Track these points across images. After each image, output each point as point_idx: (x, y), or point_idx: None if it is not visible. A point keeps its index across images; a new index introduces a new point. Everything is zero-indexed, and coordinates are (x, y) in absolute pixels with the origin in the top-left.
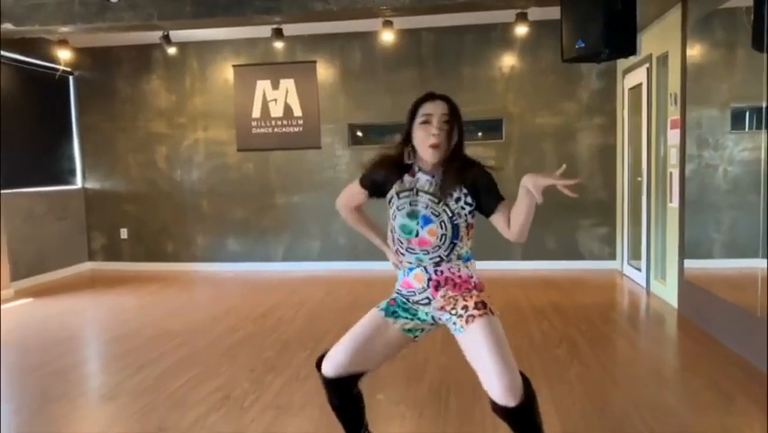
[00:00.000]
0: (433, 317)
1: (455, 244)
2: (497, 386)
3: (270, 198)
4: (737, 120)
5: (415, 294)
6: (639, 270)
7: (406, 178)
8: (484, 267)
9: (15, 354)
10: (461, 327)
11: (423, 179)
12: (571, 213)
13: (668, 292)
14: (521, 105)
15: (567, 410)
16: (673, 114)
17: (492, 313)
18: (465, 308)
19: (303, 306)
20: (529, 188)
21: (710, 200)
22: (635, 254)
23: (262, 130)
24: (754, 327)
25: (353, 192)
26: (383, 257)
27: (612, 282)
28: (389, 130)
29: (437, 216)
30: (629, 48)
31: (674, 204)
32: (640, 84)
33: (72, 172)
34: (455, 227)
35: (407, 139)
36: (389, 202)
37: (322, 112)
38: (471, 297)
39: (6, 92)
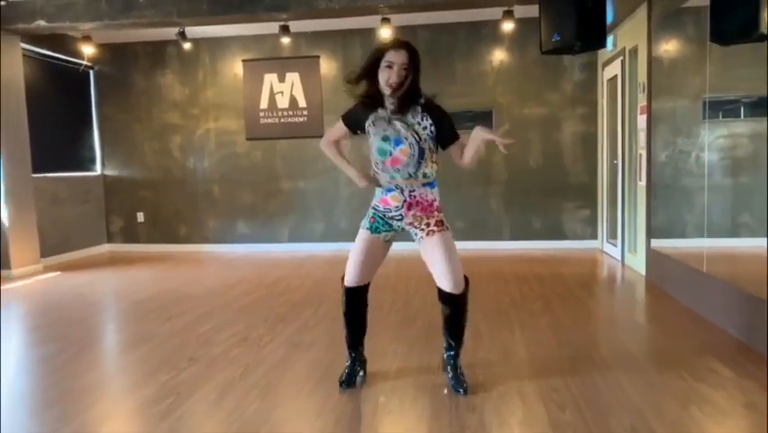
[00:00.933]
0: (402, 228)
1: (420, 164)
2: (447, 279)
3: (277, 183)
4: (709, 110)
5: (390, 211)
6: (616, 246)
7: (380, 111)
8: (476, 246)
9: (53, 313)
10: (422, 237)
11: (391, 108)
12: (556, 196)
13: (638, 262)
14: (509, 97)
15: (536, 347)
16: (642, 101)
17: (447, 229)
18: (428, 224)
19: (308, 277)
20: (476, 139)
21: (683, 184)
22: (612, 234)
23: (269, 120)
24: (702, 284)
25: (335, 128)
26: None
27: (592, 258)
28: None
29: (406, 139)
30: (599, 41)
31: (643, 182)
32: (616, 75)
33: (93, 160)
34: (421, 150)
35: (372, 75)
36: (367, 132)
37: (325, 103)
38: (433, 217)
39: (35, 85)
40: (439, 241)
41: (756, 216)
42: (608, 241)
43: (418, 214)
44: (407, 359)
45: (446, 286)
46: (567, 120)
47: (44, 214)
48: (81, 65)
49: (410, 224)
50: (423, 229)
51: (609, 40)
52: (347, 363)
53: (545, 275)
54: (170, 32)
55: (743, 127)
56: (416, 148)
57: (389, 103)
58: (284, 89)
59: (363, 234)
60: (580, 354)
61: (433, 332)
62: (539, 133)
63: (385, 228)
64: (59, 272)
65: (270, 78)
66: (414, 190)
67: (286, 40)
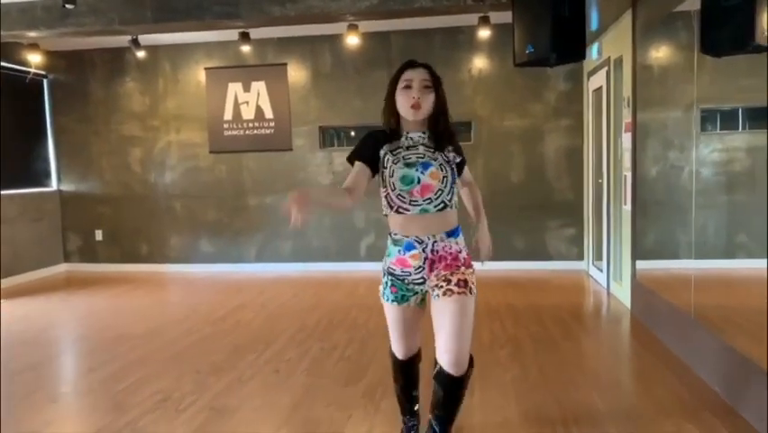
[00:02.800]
0: (426, 291)
1: (453, 189)
2: (448, 356)
3: (243, 199)
4: (706, 122)
5: (410, 274)
6: (601, 271)
7: (395, 141)
8: None
9: None
10: (438, 295)
11: (415, 136)
12: (540, 214)
13: (623, 293)
14: (489, 108)
15: (492, 413)
16: (627, 117)
17: (470, 293)
18: (448, 281)
19: (265, 308)
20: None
21: (677, 201)
22: (597, 255)
23: (234, 132)
24: (689, 329)
25: (351, 175)
26: (353, 258)
27: (577, 283)
28: (361, 132)
29: (435, 160)
30: (578, 53)
31: (628, 206)
32: (601, 87)
33: (47, 174)
34: (452, 170)
35: (390, 108)
36: (383, 164)
37: (293, 114)
38: (456, 274)
39: None
40: (454, 306)
41: (753, 236)
42: (593, 264)
43: (442, 273)
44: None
45: (445, 363)
46: (551, 133)
47: None
48: (29, 74)
49: (435, 285)
50: (441, 287)
51: (594, 48)
52: (404, 430)
53: (520, 307)
54: (127, 39)
55: (739, 140)
56: (448, 168)
57: (414, 132)
58: (249, 99)
59: (391, 309)
60: (541, 425)
61: (381, 393)
62: (521, 146)
63: (412, 294)
64: (4, 300)
65: (235, 88)
66: (437, 242)
67: (246, 48)
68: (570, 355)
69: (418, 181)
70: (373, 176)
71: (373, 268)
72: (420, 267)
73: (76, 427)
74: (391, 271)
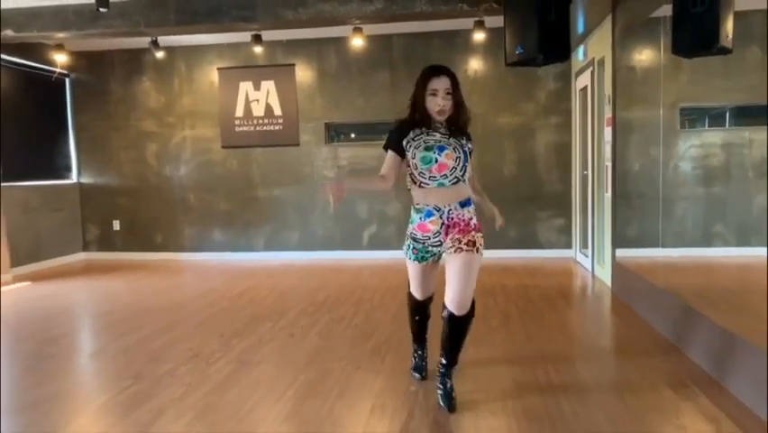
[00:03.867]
0: (442, 252)
1: (466, 167)
2: (453, 299)
3: (253, 191)
4: (686, 119)
5: (429, 238)
6: (587, 256)
7: (417, 130)
8: None
9: (14, 326)
10: (451, 252)
11: (435, 127)
12: (531, 205)
13: (606, 274)
14: (484, 106)
15: (485, 365)
16: (608, 113)
17: (477, 252)
18: (459, 240)
19: (275, 288)
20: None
21: (658, 194)
22: (584, 243)
23: (245, 128)
24: (661, 301)
25: (386, 163)
26: (356, 247)
27: (565, 268)
28: (364, 128)
29: (449, 145)
30: (563, 54)
31: (609, 193)
32: (587, 86)
33: (68, 168)
34: (465, 153)
35: (419, 107)
36: (407, 149)
37: (300, 111)
38: (467, 236)
39: (7, 93)
40: (462, 261)
41: (729, 225)
42: (580, 251)
43: (456, 236)
44: (350, 380)
45: (450, 304)
46: (541, 129)
47: (15, 223)
48: (54, 73)
49: (450, 246)
50: (454, 246)
51: (581, 50)
52: (415, 359)
53: (512, 287)
54: (145, 40)
55: (714, 137)
56: (461, 151)
57: (437, 126)
58: (259, 97)
59: (412, 265)
60: (526, 376)
61: (386, 351)
62: (513, 142)
63: (429, 255)
64: (28, 283)
65: (246, 87)
66: (452, 210)
67: (258, 49)
68: (555, 325)
69: (435, 161)
70: (403, 159)
71: (375, 256)
72: (438, 231)
73: (118, 374)
74: (414, 236)
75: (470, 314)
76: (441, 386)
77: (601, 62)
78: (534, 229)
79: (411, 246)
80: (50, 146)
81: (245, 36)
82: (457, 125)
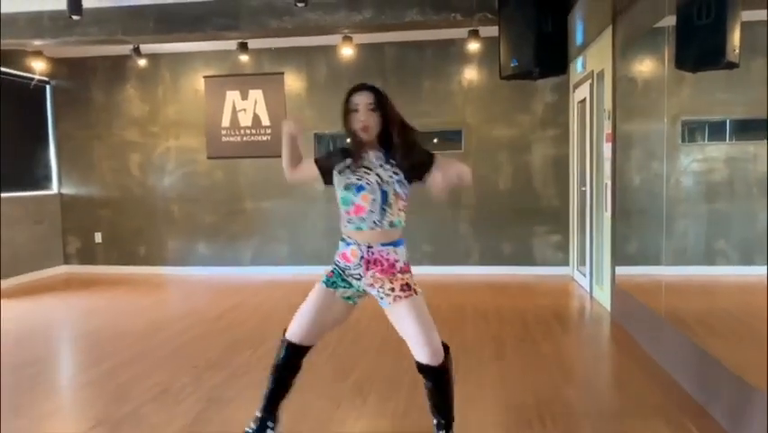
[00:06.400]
0: (363, 290)
1: (385, 210)
2: (423, 352)
3: (239, 203)
4: (688, 133)
5: (350, 268)
6: (585, 275)
7: (348, 159)
8: (444, 271)
9: None
10: (389, 303)
11: (372, 154)
12: (527, 220)
13: (604, 297)
14: (479, 117)
15: (471, 408)
16: (608, 128)
17: (416, 293)
18: (392, 289)
19: (259, 308)
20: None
21: (659, 210)
22: (581, 261)
23: (232, 139)
24: (662, 332)
25: (306, 166)
26: None
27: (562, 287)
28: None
29: (368, 184)
30: (560, 67)
31: (608, 213)
32: (585, 98)
33: (48, 178)
34: (383, 193)
35: (347, 129)
36: (334, 183)
37: None
38: (396, 280)
39: None
40: (408, 309)
41: (732, 243)
42: (577, 269)
43: (378, 276)
44: (329, 422)
45: (423, 358)
46: (538, 142)
47: None
48: (32, 80)
49: (371, 285)
50: (388, 295)
51: (579, 62)
52: (256, 423)
53: (507, 310)
54: (129, 48)
55: (717, 151)
56: (378, 192)
57: (373, 148)
58: (247, 107)
59: (317, 287)
60: (517, 420)
61: (367, 389)
62: (509, 155)
63: (343, 285)
64: (5, 299)
65: (233, 96)
66: (372, 248)
67: (244, 57)
68: (550, 356)
69: (352, 204)
70: (324, 182)
71: None
72: (358, 264)
73: (78, 415)
74: (336, 262)
75: (448, 358)
76: None
77: (601, 75)
78: (530, 245)
79: (330, 270)
80: (30, 155)
81: (232, 44)
82: (394, 147)
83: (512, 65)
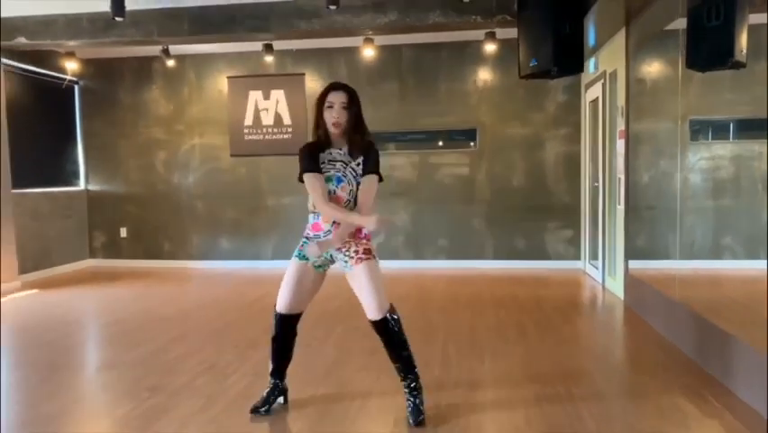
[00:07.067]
0: (331, 256)
1: (355, 198)
2: (370, 307)
3: (261, 200)
4: (695, 132)
5: (320, 236)
6: (597, 268)
7: (326, 152)
8: (458, 265)
9: (26, 335)
10: (351, 265)
11: (335, 152)
12: (539, 216)
13: (617, 286)
14: (493, 117)
15: (504, 379)
16: (621, 125)
17: (374, 258)
18: (356, 251)
19: None
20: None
21: (668, 206)
22: (593, 255)
23: (254, 137)
24: (676, 313)
25: (315, 184)
26: None
27: (575, 280)
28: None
29: (345, 177)
30: (577, 66)
31: (621, 206)
32: (597, 98)
33: (76, 175)
34: (357, 184)
35: (319, 123)
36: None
37: (309, 121)
38: (361, 244)
39: (17, 100)
40: (365, 269)
41: (738, 238)
42: (590, 262)
43: (347, 239)
44: (371, 392)
45: (370, 313)
46: (550, 140)
47: (25, 230)
48: (64, 80)
49: (338, 249)
50: (352, 257)
51: (592, 62)
52: (267, 389)
53: (524, 298)
54: (156, 48)
55: (724, 150)
56: (354, 183)
57: (337, 143)
58: (269, 106)
59: (293, 262)
60: (546, 389)
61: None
62: (522, 152)
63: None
64: (36, 290)
65: (255, 95)
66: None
67: (269, 58)
68: (570, 337)
69: (333, 193)
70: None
71: (383, 266)
72: (329, 230)
73: (133, 386)
74: (306, 235)
75: (394, 316)
76: (408, 401)
77: (613, 75)
78: (543, 240)
79: (301, 243)
80: (59, 153)
81: (255, 45)
82: (355, 144)
83: (531, 64)
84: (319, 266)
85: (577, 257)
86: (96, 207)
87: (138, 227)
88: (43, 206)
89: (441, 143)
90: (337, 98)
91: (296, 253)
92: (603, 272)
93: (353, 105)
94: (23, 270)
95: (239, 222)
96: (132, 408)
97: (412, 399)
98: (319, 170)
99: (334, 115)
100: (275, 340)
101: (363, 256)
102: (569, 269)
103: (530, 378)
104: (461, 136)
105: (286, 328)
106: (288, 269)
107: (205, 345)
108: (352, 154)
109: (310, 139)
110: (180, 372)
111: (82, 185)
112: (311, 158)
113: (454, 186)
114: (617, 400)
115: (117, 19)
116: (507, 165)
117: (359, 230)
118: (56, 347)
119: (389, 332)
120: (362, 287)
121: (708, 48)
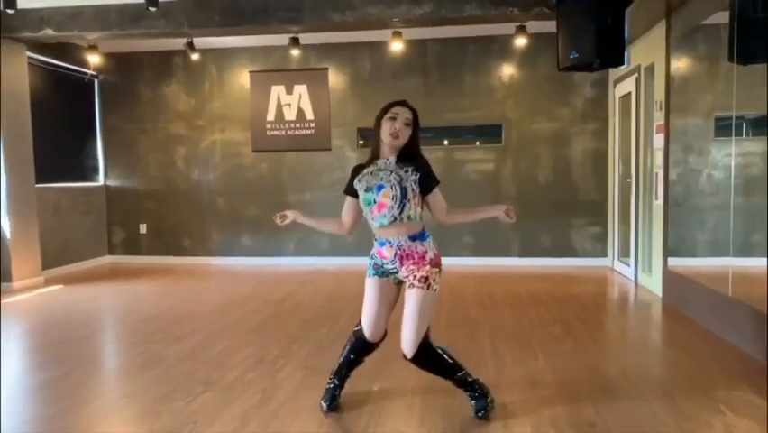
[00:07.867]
0: (400, 280)
1: (404, 205)
2: (403, 340)
3: (283, 196)
4: (720, 128)
5: (387, 263)
6: (628, 265)
7: (365, 168)
8: (485, 263)
9: (58, 329)
10: (408, 286)
11: (380, 162)
12: (565, 213)
13: (653, 283)
14: (519, 112)
15: (563, 373)
16: (659, 119)
17: (428, 288)
18: (415, 276)
19: (318, 293)
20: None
21: (694, 202)
22: (624, 252)
23: (276, 132)
24: (728, 308)
25: (346, 206)
26: None
27: (603, 277)
28: None
29: (388, 182)
30: (618, 59)
31: (659, 201)
32: (630, 93)
33: (95, 170)
34: (403, 189)
35: (377, 133)
36: (357, 191)
37: (332, 116)
38: (422, 271)
39: (39, 93)
40: (414, 299)
41: None
42: (619, 259)
43: (412, 267)
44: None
45: (402, 345)
46: (577, 136)
47: (46, 225)
48: (87, 74)
49: (405, 276)
50: (409, 280)
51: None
52: (330, 386)
53: (559, 295)
54: (177, 42)
55: (757, 146)
56: (398, 188)
57: (385, 155)
58: (291, 101)
59: (370, 281)
60: (609, 382)
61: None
62: (549, 148)
63: (390, 273)
64: (60, 286)
65: (278, 90)
66: (401, 243)
67: (295, 52)
68: (617, 332)
69: (375, 202)
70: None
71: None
72: (393, 259)
73: (185, 380)
74: (374, 257)
75: (421, 353)
76: (467, 394)
77: (649, 69)
78: (569, 237)
79: (372, 263)
80: (79, 148)
81: (279, 39)
82: (408, 153)
83: (571, 56)
84: (398, 282)
85: (604, 254)
86: (115, 202)
87: (157, 223)
88: (63, 201)
89: (466, 139)
90: (402, 112)
91: (370, 272)
92: (636, 269)
93: (416, 125)
94: (44, 266)
95: (260, 218)
96: (187, 402)
97: (474, 401)
98: (354, 194)
99: (396, 127)
100: (352, 361)
101: (416, 284)
102: (596, 266)
103: (589, 372)
104: (487, 132)
105: (365, 353)
106: (367, 291)
107: (247, 340)
108: (400, 162)
109: (332, 134)
110: (229, 366)
111: (101, 180)
112: (350, 181)
113: (480, 182)
114: (687, 396)
115: (151, 9)
116: (533, 161)
117: (421, 255)
118: (89, 345)
119: (423, 367)
120: (406, 316)
121: (752, 41)
